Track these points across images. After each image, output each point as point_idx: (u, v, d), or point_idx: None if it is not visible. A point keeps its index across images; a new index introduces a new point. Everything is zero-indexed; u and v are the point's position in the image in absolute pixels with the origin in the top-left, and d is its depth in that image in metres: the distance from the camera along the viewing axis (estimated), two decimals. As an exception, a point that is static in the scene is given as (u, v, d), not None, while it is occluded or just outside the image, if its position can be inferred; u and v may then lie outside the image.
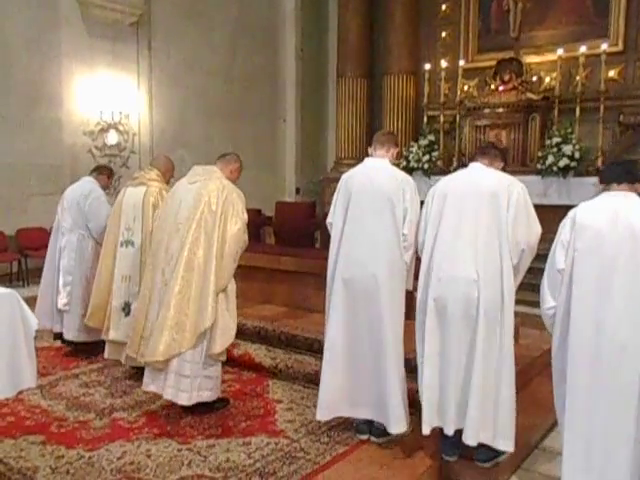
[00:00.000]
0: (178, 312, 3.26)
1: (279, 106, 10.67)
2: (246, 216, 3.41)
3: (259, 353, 4.20)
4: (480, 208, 2.84)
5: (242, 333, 4.56)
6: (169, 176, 4.22)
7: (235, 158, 3.65)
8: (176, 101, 8.94)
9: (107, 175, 4.89)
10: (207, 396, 3.35)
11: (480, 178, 2.95)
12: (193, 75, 9.12)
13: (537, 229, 2.89)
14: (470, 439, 2.76)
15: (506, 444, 2.80)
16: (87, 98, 7.92)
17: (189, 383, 3.27)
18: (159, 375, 3.32)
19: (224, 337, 3.30)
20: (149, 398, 3.68)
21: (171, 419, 3.37)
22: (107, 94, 8.04)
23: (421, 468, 2.88)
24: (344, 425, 3.29)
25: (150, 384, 3.39)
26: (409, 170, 8.49)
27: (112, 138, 8.21)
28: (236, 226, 3.33)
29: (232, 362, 4.26)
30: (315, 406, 3.28)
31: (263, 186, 9.20)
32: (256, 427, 3.29)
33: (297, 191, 10.62)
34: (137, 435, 3.18)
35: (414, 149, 8.65)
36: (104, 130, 8.13)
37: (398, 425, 3.00)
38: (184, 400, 3.29)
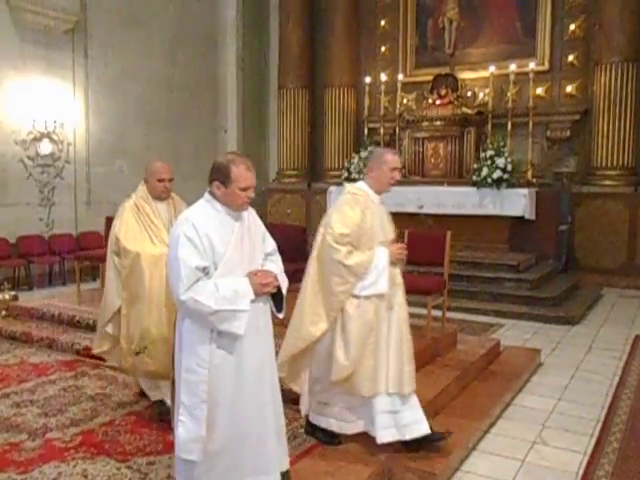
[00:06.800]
0: None
1: (220, 116, 10.63)
2: None
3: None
4: None
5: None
6: (155, 179, 3.66)
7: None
8: (114, 110, 8.74)
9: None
10: None
11: None
12: (132, 84, 8.95)
13: None
14: None
15: None
16: (19, 106, 7.63)
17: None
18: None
19: None
20: (86, 416, 3.56)
21: (109, 437, 3.27)
22: (40, 102, 7.78)
23: (364, 474, 2.92)
24: (287, 436, 3.29)
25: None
26: (351, 181, 8.62)
27: (45, 148, 7.93)
28: None
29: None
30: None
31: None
32: (198, 441, 3.23)
33: (239, 202, 10.55)
34: (73, 455, 3.06)
35: (355, 161, 8.80)
36: (37, 139, 7.85)
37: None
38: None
